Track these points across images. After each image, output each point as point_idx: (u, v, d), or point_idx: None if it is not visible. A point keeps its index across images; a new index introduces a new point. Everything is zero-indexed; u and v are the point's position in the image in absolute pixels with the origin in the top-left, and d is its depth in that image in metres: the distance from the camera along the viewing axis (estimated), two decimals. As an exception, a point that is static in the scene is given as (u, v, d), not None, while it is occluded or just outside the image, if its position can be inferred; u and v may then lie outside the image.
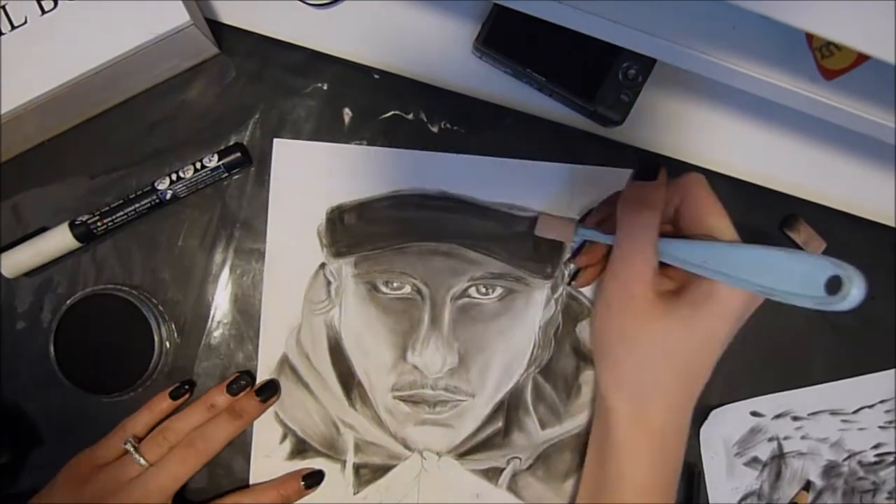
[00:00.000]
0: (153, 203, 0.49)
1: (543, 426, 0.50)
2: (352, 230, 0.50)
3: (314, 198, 0.50)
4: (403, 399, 0.50)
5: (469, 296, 0.50)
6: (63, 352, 0.48)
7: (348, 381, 0.50)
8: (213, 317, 0.50)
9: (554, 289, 0.50)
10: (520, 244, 0.50)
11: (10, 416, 0.49)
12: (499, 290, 0.50)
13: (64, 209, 0.50)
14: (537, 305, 0.50)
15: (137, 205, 0.48)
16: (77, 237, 0.48)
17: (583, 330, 0.51)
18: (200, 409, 0.47)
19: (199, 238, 0.50)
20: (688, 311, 0.39)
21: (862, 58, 0.32)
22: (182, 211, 0.50)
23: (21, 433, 0.50)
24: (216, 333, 0.50)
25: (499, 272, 0.50)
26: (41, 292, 0.50)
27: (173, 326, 0.50)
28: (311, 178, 0.50)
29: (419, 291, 0.50)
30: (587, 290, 0.51)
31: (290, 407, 0.50)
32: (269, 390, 0.49)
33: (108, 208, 0.48)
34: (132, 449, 0.45)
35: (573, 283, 0.50)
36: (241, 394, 0.48)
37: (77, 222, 0.48)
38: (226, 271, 0.50)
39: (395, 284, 0.50)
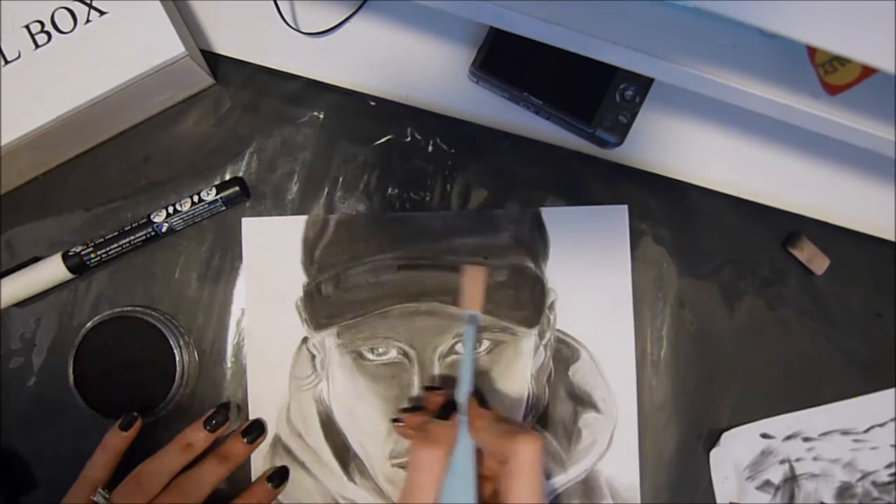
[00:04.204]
0: (148, 235, 0.48)
1: (548, 476, 0.49)
2: (330, 300, 0.49)
3: (289, 272, 0.49)
4: (402, 465, 0.48)
5: (456, 352, 0.49)
6: (81, 376, 0.46)
7: (344, 454, 0.49)
8: (213, 349, 0.49)
9: (541, 335, 0.49)
10: (500, 294, 0.49)
11: (4, 457, 0.48)
12: (486, 343, 0.49)
13: (59, 243, 0.49)
14: (527, 354, 0.49)
15: (132, 237, 0.48)
16: (70, 268, 0.47)
17: (576, 373, 0.49)
18: (176, 450, 0.44)
19: (196, 270, 0.49)
20: None
21: (866, 72, 0.32)
22: (178, 243, 0.49)
23: (14, 475, 0.48)
24: (215, 366, 0.49)
25: (483, 325, 0.49)
26: (33, 324, 0.49)
27: (194, 351, 0.49)
28: (284, 252, 0.49)
29: (405, 354, 0.49)
30: (575, 332, 0.49)
31: (288, 488, 0.48)
32: (255, 430, 0.47)
33: (102, 240, 0.48)
34: (104, 502, 0.42)
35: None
36: (220, 430, 0.46)
37: (70, 253, 0.48)
38: (223, 303, 0.49)
39: (380, 350, 0.49)
